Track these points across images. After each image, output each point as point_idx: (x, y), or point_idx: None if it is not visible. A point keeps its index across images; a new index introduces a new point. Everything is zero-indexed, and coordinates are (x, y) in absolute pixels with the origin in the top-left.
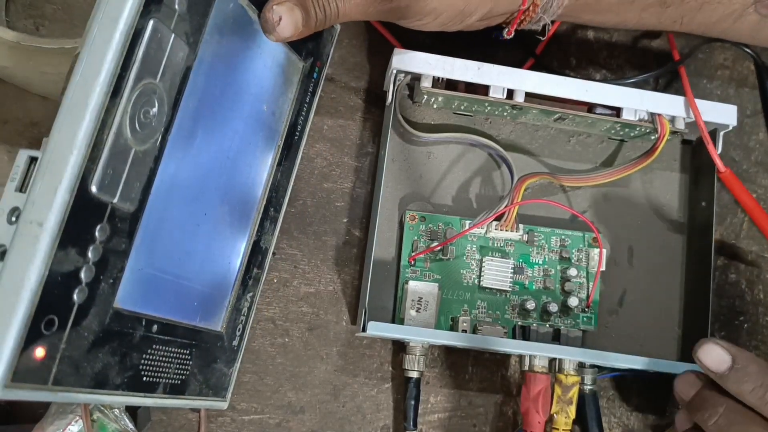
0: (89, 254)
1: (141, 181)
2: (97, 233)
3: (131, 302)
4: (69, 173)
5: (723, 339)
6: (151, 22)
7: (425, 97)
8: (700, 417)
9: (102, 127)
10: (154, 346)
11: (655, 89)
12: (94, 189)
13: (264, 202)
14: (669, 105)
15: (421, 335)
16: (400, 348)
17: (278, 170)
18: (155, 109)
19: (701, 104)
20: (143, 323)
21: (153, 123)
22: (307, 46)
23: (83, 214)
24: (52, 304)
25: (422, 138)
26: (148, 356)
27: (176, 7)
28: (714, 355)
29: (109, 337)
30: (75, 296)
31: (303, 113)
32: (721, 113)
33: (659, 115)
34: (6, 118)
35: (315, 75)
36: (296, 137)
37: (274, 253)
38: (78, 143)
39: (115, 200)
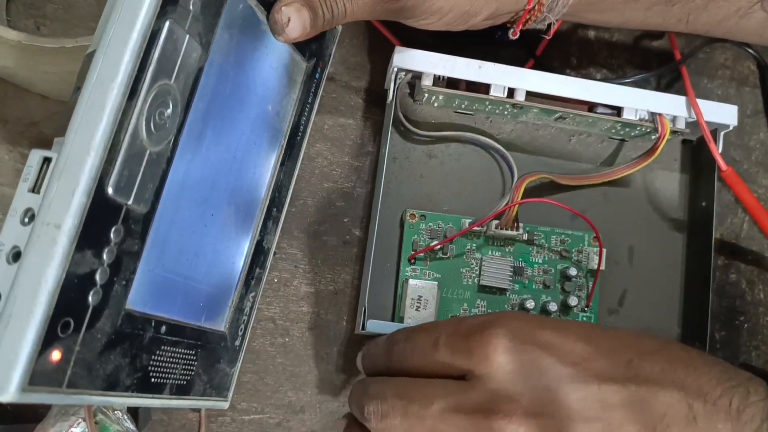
0: (104, 256)
1: (154, 183)
2: (112, 235)
3: (142, 303)
4: (87, 175)
5: (726, 349)
6: (167, 23)
7: (426, 95)
8: None
9: (119, 128)
10: (162, 347)
11: (656, 89)
12: (110, 191)
13: (267, 202)
14: (670, 104)
15: None
16: None
17: (281, 170)
18: (170, 111)
19: (702, 104)
20: (153, 324)
21: (167, 124)
22: (311, 47)
23: (100, 215)
24: (68, 307)
25: (423, 136)
26: (156, 357)
27: (191, 7)
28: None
29: (120, 338)
30: (90, 298)
31: (305, 113)
32: (722, 113)
33: (660, 114)
34: (6, 118)
35: (317, 75)
36: (299, 137)
37: (274, 253)
38: (96, 145)
39: (130, 202)
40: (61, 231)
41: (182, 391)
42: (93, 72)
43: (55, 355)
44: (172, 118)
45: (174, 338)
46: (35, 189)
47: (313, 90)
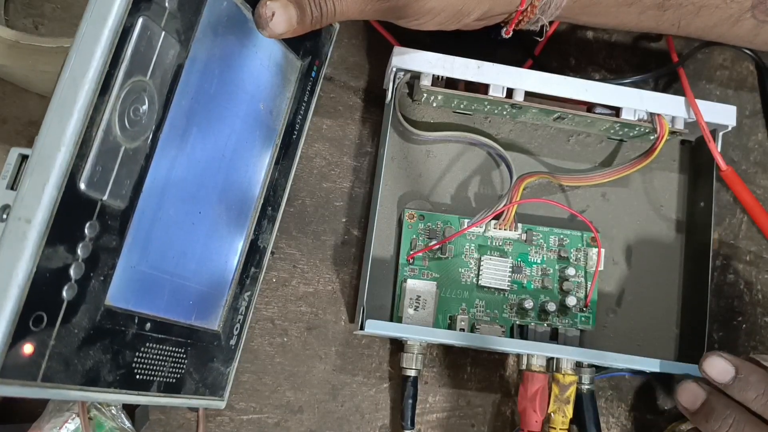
0: (79, 251)
1: (132, 179)
2: (86, 230)
3: (123, 300)
4: (57, 170)
5: (724, 349)
6: (140, 20)
7: (425, 95)
8: (709, 427)
9: (90, 124)
10: (147, 344)
11: (655, 90)
12: (82, 186)
13: (261, 201)
14: (668, 105)
15: (418, 334)
16: (398, 347)
17: (276, 169)
18: (145, 107)
19: (701, 104)
20: (136, 321)
21: (143, 120)
22: (305, 45)
23: (72, 211)
24: (40, 301)
25: (421, 136)
26: (141, 354)
27: (166, 5)
28: (718, 367)
29: (100, 334)
30: (64, 293)
31: (301, 112)
32: (721, 114)
33: (658, 115)
34: (5, 117)
35: (313, 74)
36: (294, 136)
37: (272, 253)
38: (66, 140)
39: (105, 197)
40: (31, 225)
41: (172, 389)
42: (66, 69)
43: (27, 348)
44: (149, 115)
45: (160, 336)
46: (13, 186)
47: (309, 88)
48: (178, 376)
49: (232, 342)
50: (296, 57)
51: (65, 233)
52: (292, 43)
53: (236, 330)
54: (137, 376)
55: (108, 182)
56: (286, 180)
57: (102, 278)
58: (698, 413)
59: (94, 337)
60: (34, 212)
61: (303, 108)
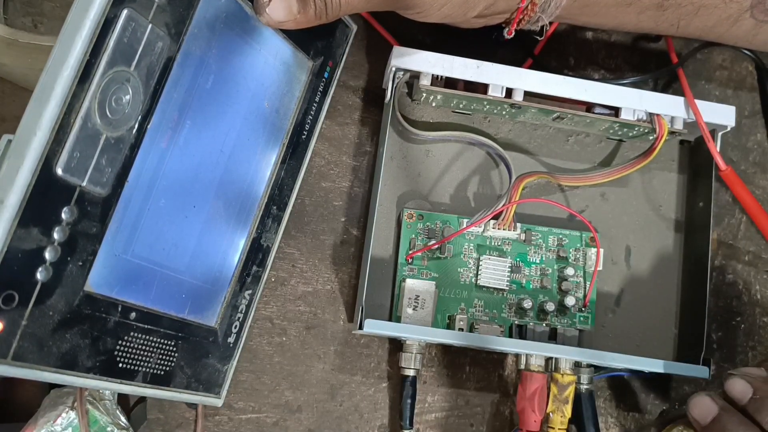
0: (55, 235)
1: (114, 167)
2: (63, 215)
3: (106, 287)
4: (32, 154)
5: (723, 349)
6: (124, 11)
7: (424, 95)
8: None
9: (68, 111)
10: (131, 334)
11: (654, 90)
12: (59, 171)
13: (266, 200)
14: (668, 105)
15: (417, 333)
16: (397, 347)
17: (282, 168)
18: (129, 97)
19: (700, 105)
20: (119, 309)
21: (126, 110)
22: (316, 45)
23: (48, 194)
24: (11, 280)
25: (421, 136)
26: (125, 343)
27: None
28: (738, 388)
29: (78, 319)
30: (38, 275)
31: (312, 112)
32: (720, 114)
33: (658, 115)
34: (4, 116)
35: (326, 75)
36: (304, 136)
37: None
38: (42, 125)
39: (84, 183)
40: (3, 206)
41: (160, 381)
42: (50, 58)
43: None
44: (133, 105)
45: (146, 326)
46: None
47: (321, 89)
48: (168, 368)
49: (231, 339)
50: (306, 57)
51: (40, 216)
52: (302, 43)
53: (235, 328)
54: (120, 365)
55: (87, 169)
56: (294, 180)
57: (80, 263)
58: (709, 429)
59: (72, 321)
60: (7, 193)
61: (314, 108)
